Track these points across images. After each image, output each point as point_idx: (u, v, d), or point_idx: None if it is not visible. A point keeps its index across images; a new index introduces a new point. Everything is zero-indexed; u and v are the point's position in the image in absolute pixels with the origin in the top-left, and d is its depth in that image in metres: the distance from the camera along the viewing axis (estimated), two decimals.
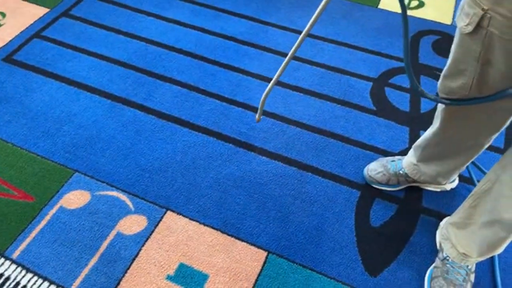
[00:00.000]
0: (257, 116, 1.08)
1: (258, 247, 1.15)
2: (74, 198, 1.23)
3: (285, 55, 1.71)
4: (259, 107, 1.05)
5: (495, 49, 0.71)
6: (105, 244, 1.14)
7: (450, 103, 0.87)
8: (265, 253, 1.14)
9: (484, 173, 1.25)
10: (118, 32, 1.77)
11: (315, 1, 1.92)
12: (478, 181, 1.27)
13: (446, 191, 1.28)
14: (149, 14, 1.87)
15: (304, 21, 1.84)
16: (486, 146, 0.99)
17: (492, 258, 1.12)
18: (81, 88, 1.55)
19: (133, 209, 1.22)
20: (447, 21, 1.87)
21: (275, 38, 1.77)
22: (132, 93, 1.54)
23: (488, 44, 0.72)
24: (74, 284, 1.07)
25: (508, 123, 0.90)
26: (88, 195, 1.24)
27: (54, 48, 1.68)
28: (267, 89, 0.98)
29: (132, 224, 1.18)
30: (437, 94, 0.95)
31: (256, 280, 1.09)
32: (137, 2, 1.92)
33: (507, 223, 0.85)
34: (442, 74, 0.89)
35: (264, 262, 1.12)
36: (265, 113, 1.49)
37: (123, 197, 1.24)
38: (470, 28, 0.72)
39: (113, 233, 1.16)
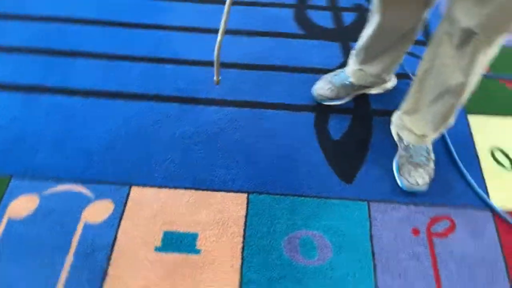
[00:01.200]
0: (215, 77, 0.96)
1: (236, 191, 1.13)
2: (21, 206, 1.09)
3: (198, 0, 1.61)
4: (215, 66, 0.94)
5: None
6: (75, 240, 1.04)
7: None
8: (245, 195, 1.13)
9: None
10: (5, 17, 1.52)
11: None
12: (412, 73, 1.36)
13: (389, 91, 1.35)
14: None
15: None
16: (420, 27, 1.04)
17: (443, 136, 1.24)
18: None
19: (93, 196, 1.11)
20: None
21: None
22: (45, 79, 1.36)
23: None
24: None
25: None
26: (36, 198, 1.10)
27: None
28: (217, 44, 0.89)
29: (97, 211, 1.08)
30: None
31: (245, 222, 1.08)
32: None
33: (454, 89, 0.93)
34: None
35: (247, 203, 1.11)
36: (200, 63, 1.42)
37: (77, 188, 1.12)
38: None
39: (80, 226, 1.06)
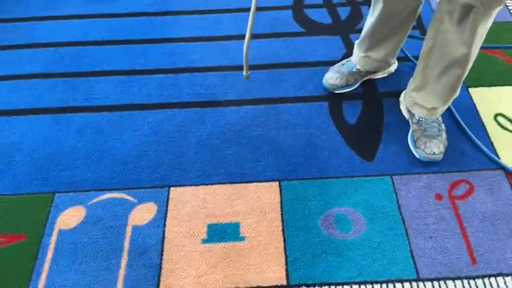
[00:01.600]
0: (244, 72, 1.07)
1: (268, 181, 1.21)
2: (69, 217, 1.15)
3: (202, 12, 1.71)
4: (244, 62, 1.05)
5: None
6: (126, 242, 1.10)
7: None
8: (277, 183, 1.21)
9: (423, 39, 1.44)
10: (18, 47, 1.59)
11: None
12: (413, 56, 1.47)
13: (392, 74, 1.46)
14: (40, 18, 1.70)
15: None
16: (420, 8, 1.15)
17: (449, 108, 1.34)
18: (10, 115, 1.39)
19: (136, 201, 1.18)
20: None
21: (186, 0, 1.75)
22: (69, 99, 1.43)
23: None
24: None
25: None
26: (82, 209, 1.17)
27: None
28: (245, 43, 0.99)
29: (142, 214, 1.15)
30: None
31: (281, 207, 1.16)
32: (21, 11, 1.73)
33: (459, 60, 1.03)
34: None
35: (280, 190, 1.19)
36: (212, 69, 1.51)
37: (119, 195, 1.19)
38: None
39: (128, 230, 1.13)
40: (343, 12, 1.69)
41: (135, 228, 1.13)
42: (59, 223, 1.14)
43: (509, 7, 1.68)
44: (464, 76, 1.10)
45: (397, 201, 1.16)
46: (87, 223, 1.14)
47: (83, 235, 1.12)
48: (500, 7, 0.93)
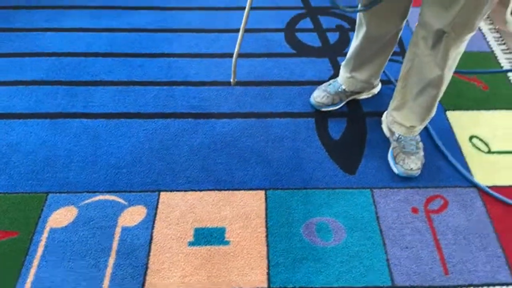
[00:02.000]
0: (231, 79, 1.16)
1: (255, 189, 1.27)
2: (61, 216, 1.19)
3: (199, 30, 1.81)
4: (232, 70, 1.15)
5: None
6: (115, 242, 1.14)
7: (366, 8, 1.10)
8: (263, 192, 1.27)
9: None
10: (21, 55, 1.67)
11: None
12: (395, 80, 1.57)
13: (376, 95, 1.55)
14: (44, 29, 1.78)
15: None
16: (399, 34, 1.25)
17: (427, 129, 1.42)
18: (10, 118, 1.45)
19: (126, 203, 1.23)
20: None
21: (185, 18, 1.85)
22: (68, 106, 1.49)
23: None
24: (103, 286, 1.06)
25: (410, 6, 1.15)
26: (74, 209, 1.21)
27: None
28: (235, 52, 1.09)
29: (132, 216, 1.20)
30: (356, 7, 1.17)
31: (266, 214, 1.21)
32: (27, 22, 1.81)
33: (434, 81, 1.12)
34: None
35: (265, 199, 1.25)
36: (206, 83, 1.59)
37: (111, 197, 1.24)
38: None
39: (118, 231, 1.17)
40: (332, 37, 1.80)
41: (124, 229, 1.17)
42: (50, 221, 1.18)
43: (487, 38, 1.80)
44: (439, 96, 1.19)
45: (376, 213, 1.22)
46: (78, 223, 1.18)
47: (73, 234, 1.16)
48: (472, 34, 1.03)
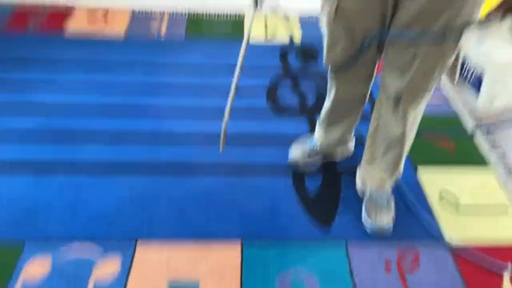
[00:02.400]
0: (220, 147, 1.21)
1: (232, 241, 1.29)
2: (35, 268, 1.19)
3: (189, 85, 1.92)
4: (221, 139, 1.19)
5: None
6: None
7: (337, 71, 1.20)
8: (239, 243, 1.29)
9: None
10: (12, 103, 1.74)
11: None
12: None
13: (350, 156, 1.62)
14: (38, 80, 1.88)
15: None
16: (367, 95, 1.34)
17: (398, 184, 1.49)
18: None
19: (102, 253, 1.23)
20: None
21: (172, 73, 1.97)
22: (54, 155, 1.54)
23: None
24: None
25: (375, 70, 1.25)
26: (48, 260, 1.21)
27: None
28: (224, 121, 1.15)
29: (108, 267, 1.20)
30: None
31: (242, 268, 1.22)
32: (22, 71, 1.91)
33: (398, 139, 1.21)
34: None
35: (241, 250, 1.27)
36: (191, 135, 1.66)
37: (86, 245, 1.25)
38: None
39: (90, 285, 1.16)
40: (310, 101, 1.92)
41: (97, 285, 1.16)
42: (24, 274, 1.18)
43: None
44: (404, 153, 1.27)
45: (350, 267, 1.24)
46: (53, 276, 1.18)
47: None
48: (427, 98, 1.14)
